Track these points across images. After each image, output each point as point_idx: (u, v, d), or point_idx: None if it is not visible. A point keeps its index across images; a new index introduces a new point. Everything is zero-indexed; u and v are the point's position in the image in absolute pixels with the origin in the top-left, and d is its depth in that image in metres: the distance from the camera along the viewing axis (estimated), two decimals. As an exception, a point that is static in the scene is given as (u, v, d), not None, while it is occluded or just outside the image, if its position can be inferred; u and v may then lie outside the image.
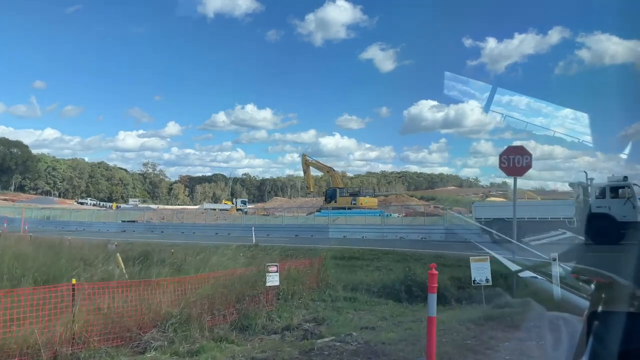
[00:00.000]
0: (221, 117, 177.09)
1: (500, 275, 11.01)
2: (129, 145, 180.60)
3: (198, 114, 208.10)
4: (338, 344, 6.51)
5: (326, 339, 6.94)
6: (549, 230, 19.24)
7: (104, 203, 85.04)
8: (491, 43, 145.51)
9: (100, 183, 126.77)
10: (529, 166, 8.50)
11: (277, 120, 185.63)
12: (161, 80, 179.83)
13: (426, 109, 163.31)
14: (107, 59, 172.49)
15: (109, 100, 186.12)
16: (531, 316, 7.73)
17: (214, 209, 59.94)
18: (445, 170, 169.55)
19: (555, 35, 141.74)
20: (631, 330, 1.65)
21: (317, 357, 6.05)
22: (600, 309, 2.06)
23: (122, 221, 40.89)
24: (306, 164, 47.63)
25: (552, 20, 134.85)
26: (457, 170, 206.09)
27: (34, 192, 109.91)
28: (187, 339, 7.17)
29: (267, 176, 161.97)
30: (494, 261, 13.64)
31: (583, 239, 19.02)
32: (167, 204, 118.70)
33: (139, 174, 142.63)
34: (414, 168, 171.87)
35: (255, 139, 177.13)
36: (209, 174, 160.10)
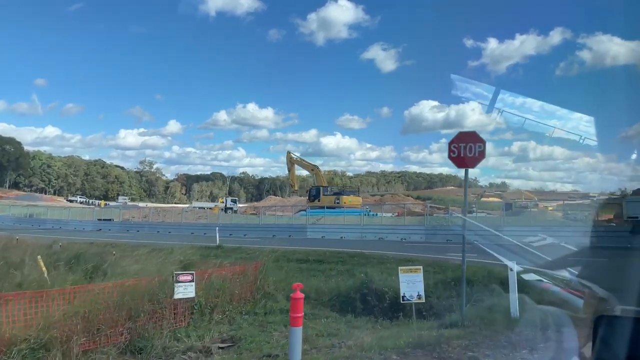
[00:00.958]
0: (222, 116, 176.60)
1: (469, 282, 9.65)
2: (130, 144, 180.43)
3: (199, 112, 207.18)
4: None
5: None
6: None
7: (93, 201, 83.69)
8: (492, 43, 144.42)
9: (95, 181, 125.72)
10: (481, 156, 6.96)
11: (278, 120, 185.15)
12: (162, 78, 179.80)
13: (427, 109, 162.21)
14: (109, 58, 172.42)
15: (110, 98, 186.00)
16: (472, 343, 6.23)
17: (203, 208, 58.62)
18: (445, 170, 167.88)
19: (556, 36, 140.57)
20: (638, 335, 1.66)
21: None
22: (606, 313, 2.18)
23: (99, 219, 39.51)
24: (291, 162, 46.17)
25: (553, 21, 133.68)
26: (458, 170, 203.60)
27: (29, 189, 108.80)
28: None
29: (268, 175, 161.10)
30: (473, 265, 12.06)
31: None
32: (164, 202, 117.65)
33: (136, 172, 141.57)
34: (414, 168, 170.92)
35: (256, 138, 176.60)
36: (210, 172, 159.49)
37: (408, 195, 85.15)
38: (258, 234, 28.59)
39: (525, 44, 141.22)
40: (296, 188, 51.25)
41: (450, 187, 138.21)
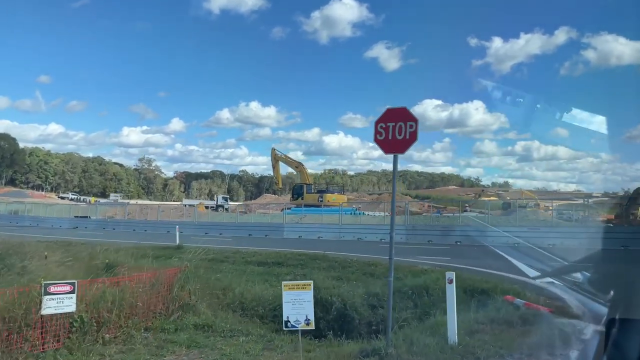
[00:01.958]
0: (225, 114, 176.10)
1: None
2: (133, 141, 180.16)
3: (202, 110, 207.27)
4: None
5: None
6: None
7: (84, 197, 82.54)
8: (497, 42, 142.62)
9: (93, 178, 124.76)
10: (413, 138, 5.41)
11: (281, 118, 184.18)
12: (166, 76, 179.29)
13: (430, 108, 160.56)
14: (112, 55, 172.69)
15: (113, 95, 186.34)
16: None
17: (193, 205, 57.25)
18: (448, 169, 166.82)
19: (561, 36, 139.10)
20: None
21: None
22: (618, 316, 1.87)
23: (75, 216, 38.23)
24: (275, 159, 44.71)
25: (558, 20, 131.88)
26: (461, 170, 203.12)
27: (25, 186, 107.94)
28: None
29: (269, 174, 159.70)
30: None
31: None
32: (162, 200, 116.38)
33: (135, 169, 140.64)
34: (417, 167, 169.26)
35: (259, 137, 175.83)
36: (212, 170, 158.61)
37: (406, 195, 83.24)
38: (234, 233, 27.25)
39: (530, 43, 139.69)
40: (280, 186, 49.76)
41: (452, 187, 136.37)
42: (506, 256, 15.17)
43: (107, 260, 12.23)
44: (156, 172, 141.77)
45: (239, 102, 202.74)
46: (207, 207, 53.93)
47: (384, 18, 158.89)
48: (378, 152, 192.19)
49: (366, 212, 37.93)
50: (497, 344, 5.74)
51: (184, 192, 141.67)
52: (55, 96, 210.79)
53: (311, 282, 5.16)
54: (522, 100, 8.16)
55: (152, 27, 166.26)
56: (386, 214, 39.82)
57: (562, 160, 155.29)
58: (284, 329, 5.19)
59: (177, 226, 20.16)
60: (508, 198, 53.34)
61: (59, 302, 6.60)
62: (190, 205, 57.51)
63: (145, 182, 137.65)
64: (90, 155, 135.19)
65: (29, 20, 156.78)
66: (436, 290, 9.49)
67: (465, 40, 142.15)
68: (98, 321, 7.24)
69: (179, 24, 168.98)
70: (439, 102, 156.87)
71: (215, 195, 72.49)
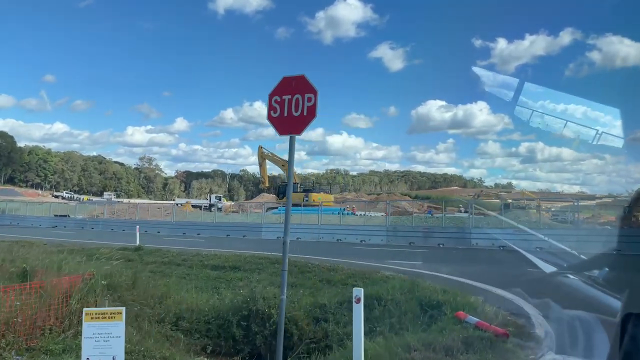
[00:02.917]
0: (229, 114, 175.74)
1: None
2: (137, 141, 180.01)
3: (206, 110, 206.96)
4: None
5: None
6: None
7: (78, 196, 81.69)
8: (501, 43, 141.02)
9: (93, 176, 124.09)
10: (312, 114, 4.10)
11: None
12: (170, 76, 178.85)
13: (434, 108, 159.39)
14: (117, 54, 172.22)
15: (118, 95, 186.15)
16: None
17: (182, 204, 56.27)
18: (452, 170, 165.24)
19: (566, 37, 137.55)
20: None
21: None
22: (634, 311, 1.82)
23: (55, 215, 37.18)
24: (262, 157, 43.39)
25: (563, 21, 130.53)
26: (464, 171, 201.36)
27: (24, 184, 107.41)
28: None
29: (271, 174, 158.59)
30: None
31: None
32: (162, 199, 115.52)
33: (135, 168, 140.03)
34: (420, 168, 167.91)
35: (262, 137, 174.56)
36: (214, 170, 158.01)
37: (406, 195, 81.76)
38: (212, 233, 26.13)
39: (535, 45, 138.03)
40: (267, 185, 48.45)
41: (455, 187, 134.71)
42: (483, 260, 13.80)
43: (24, 265, 10.98)
44: (156, 171, 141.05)
45: (243, 102, 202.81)
46: (198, 207, 52.81)
47: (388, 19, 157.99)
48: (381, 152, 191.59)
49: (361, 213, 36.67)
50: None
51: (184, 191, 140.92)
52: (60, 95, 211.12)
53: (123, 309, 3.79)
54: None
55: (157, 27, 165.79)
56: (383, 214, 38.59)
57: (566, 162, 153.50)
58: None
59: (138, 226, 18.89)
60: (509, 200, 51.74)
61: None
62: (181, 205, 56.47)
63: (146, 181, 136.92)
64: (95, 154, 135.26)
65: (35, 19, 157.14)
66: (390, 301, 8.23)
67: (469, 41, 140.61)
68: None
69: (184, 24, 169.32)
70: (443, 102, 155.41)
71: (208, 195, 71.36)
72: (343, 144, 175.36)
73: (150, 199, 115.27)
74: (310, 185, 45.64)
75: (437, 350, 5.61)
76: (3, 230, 27.72)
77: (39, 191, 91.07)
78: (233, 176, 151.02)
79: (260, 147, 44.35)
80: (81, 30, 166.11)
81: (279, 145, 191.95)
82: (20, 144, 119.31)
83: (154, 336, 7.36)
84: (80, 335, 7.01)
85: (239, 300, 8.73)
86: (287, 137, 4.75)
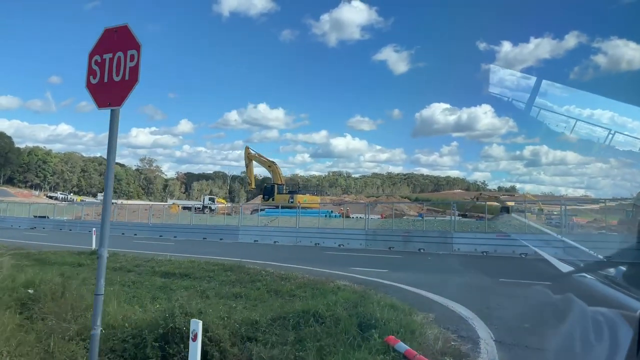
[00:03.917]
0: (233, 116, 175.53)
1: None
2: (141, 142, 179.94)
3: (211, 112, 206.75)
4: None
5: None
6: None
7: (72, 197, 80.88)
8: (506, 47, 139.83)
9: (92, 177, 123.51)
10: (133, 78, 2.66)
11: (289, 120, 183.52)
12: (175, 77, 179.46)
13: (438, 111, 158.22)
14: None
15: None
16: None
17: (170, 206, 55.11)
18: (455, 173, 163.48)
19: (571, 40, 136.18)
20: None
21: None
22: None
23: (34, 216, 36.17)
24: (249, 158, 42.14)
25: (568, 24, 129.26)
26: (468, 174, 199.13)
27: (23, 185, 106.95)
28: None
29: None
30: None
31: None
32: (162, 201, 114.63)
33: (136, 169, 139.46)
34: (424, 171, 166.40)
35: (266, 139, 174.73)
36: (215, 172, 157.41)
37: (406, 197, 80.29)
38: (189, 236, 24.98)
39: (539, 48, 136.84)
40: (253, 186, 47.18)
41: (458, 190, 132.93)
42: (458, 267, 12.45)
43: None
44: (157, 173, 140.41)
45: (248, 104, 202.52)
46: (188, 208, 51.61)
47: (393, 21, 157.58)
48: (385, 155, 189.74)
49: (358, 215, 35.48)
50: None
51: (184, 193, 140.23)
52: (65, 97, 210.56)
53: None
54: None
55: (163, 29, 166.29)
56: (377, 217, 37.29)
57: (570, 165, 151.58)
58: None
59: (94, 229, 17.66)
60: (508, 203, 50.22)
61: None
62: (169, 206, 55.38)
63: (146, 182, 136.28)
64: (99, 155, 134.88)
65: (40, 21, 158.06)
66: (327, 318, 6.98)
67: (474, 44, 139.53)
68: None
69: (189, 26, 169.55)
70: (447, 105, 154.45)
71: (202, 196, 70.26)
72: (347, 146, 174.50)
73: (150, 200, 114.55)
74: (296, 187, 44.37)
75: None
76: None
77: (35, 192, 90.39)
78: (234, 178, 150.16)
79: (247, 148, 43.21)
80: (87, 31, 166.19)
81: (283, 147, 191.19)
82: (26, 145, 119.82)
83: (57, 357, 6.18)
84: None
85: (156, 316, 7.47)
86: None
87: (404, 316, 7.10)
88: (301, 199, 35.74)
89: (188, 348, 6.86)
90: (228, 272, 12.78)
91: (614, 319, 1.92)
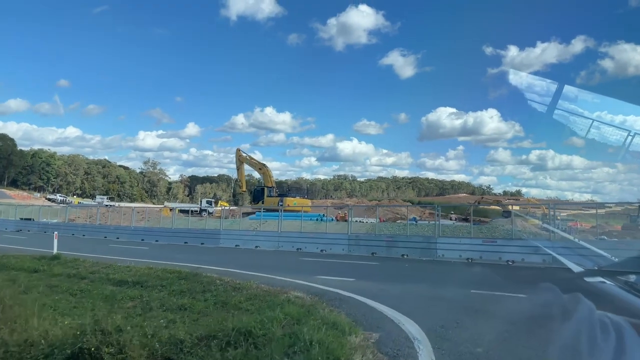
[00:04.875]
0: (240, 120, 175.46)
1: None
2: (149, 145, 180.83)
3: (217, 115, 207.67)
4: None
5: None
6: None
7: (70, 199, 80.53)
8: (513, 51, 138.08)
9: (96, 180, 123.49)
10: None
11: (295, 124, 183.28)
12: (183, 81, 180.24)
13: (444, 116, 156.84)
14: (130, 60, 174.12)
15: (130, 100, 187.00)
16: None
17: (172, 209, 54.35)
18: (461, 177, 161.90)
19: (578, 44, 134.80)
20: None
21: None
22: None
23: (20, 219, 35.56)
24: (240, 160, 41.27)
25: (575, 29, 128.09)
26: (474, 178, 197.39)
27: (26, 187, 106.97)
28: None
29: (283, 179, 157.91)
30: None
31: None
32: (165, 203, 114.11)
33: (139, 172, 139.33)
34: (430, 175, 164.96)
35: (273, 142, 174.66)
36: (219, 175, 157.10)
37: (408, 201, 78.90)
38: (170, 240, 24.24)
39: (546, 52, 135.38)
40: (244, 189, 46.23)
41: (463, 195, 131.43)
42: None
43: None
44: (160, 176, 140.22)
45: (254, 108, 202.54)
46: (186, 211, 50.86)
47: (400, 26, 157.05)
48: (391, 159, 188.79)
49: (357, 219, 34.44)
50: None
51: (188, 196, 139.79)
52: (73, 100, 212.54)
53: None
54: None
55: (170, 33, 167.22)
56: (372, 220, 36.26)
57: (577, 170, 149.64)
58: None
59: (56, 232, 16.86)
60: (509, 207, 48.85)
61: None
62: (170, 209, 54.69)
63: (149, 185, 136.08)
64: (106, 158, 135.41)
65: (50, 25, 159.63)
66: (259, 338, 6.08)
67: (480, 48, 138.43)
68: None
69: (197, 30, 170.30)
70: (453, 110, 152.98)
71: (199, 199, 69.56)
72: (353, 150, 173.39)
73: (153, 202, 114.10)
74: (285, 190, 43.48)
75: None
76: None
77: (37, 194, 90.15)
78: (237, 181, 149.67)
79: (238, 150, 42.33)
80: (95, 36, 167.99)
81: (289, 151, 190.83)
82: (31, 147, 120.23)
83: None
84: None
85: (68, 333, 6.56)
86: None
87: (340, 337, 6.13)
88: (291, 201, 34.86)
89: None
90: (182, 280, 11.89)
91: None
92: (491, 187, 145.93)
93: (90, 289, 11.61)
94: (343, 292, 9.49)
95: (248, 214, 36.54)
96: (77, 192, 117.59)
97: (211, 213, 53.33)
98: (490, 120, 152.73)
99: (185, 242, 23.53)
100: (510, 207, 49.70)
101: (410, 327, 6.72)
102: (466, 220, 39.64)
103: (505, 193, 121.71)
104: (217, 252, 19.61)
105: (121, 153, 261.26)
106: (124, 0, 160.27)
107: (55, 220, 36.81)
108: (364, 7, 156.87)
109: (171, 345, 6.53)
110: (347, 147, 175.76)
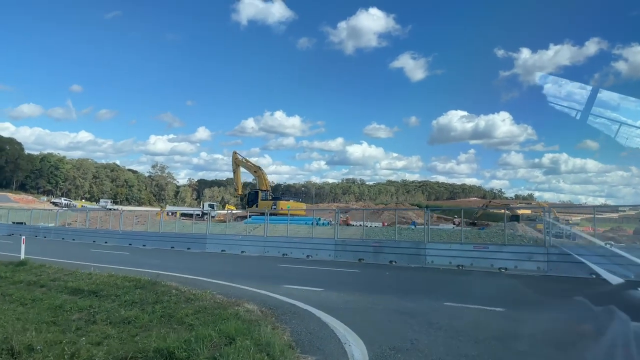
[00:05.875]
0: (250, 124, 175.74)
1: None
2: (160, 149, 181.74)
3: (228, 119, 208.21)
4: None
5: None
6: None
7: (74, 203, 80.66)
8: (525, 54, 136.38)
9: (104, 184, 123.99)
10: None
11: (305, 128, 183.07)
12: (193, 85, 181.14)
13: (455, 119, 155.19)
14: (142, 65, 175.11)
15: (142, 104, 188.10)
16: None
17: (173, 213, 53.83)
18: (473, 181, 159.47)
19: (591, 47, 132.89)
20: None
21: None
22: None
23: (12, 223, 35.17)
24: (236, 163, 40.55)
25: (589, 31, 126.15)
26: (486, 181, 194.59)
27: (35, 191, 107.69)
28: None
29: (292, 182, 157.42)
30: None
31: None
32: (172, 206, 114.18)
33: (148, 176, 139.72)
34: (441, 179, 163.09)
35: (282, 146, 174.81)
36: (228, 178, 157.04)
37: (416, 205, 77.56)
38: (157, 245, 23.51)
39: (559, 54, 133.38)
40: (240, 192, 45.36)
41: (473, 198, 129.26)
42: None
43: None
44: (168, 180, 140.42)
45: (264, 112, 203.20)
46: (189, 215, 50.26)
47: (410, 29, 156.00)
48: (401, 163, 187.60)
49: (361, 223, 33.41)
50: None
51: (196, 200, 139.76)
52: (85, 105, 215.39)
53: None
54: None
55: (181, 38, 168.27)
56: (377, 224, 35.19)
57: (591, 174, 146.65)
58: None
59: (23, 237, 16.08)
60: (519, 211, 47.37)
61: None
62: (171, 213, 54.14)
63: (157, 188, 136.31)
64: (118, 162, 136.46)
65: (63, 31, 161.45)
66: None
67: (492, 51, 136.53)
68: None
69: (207, 34, 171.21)
70: (465, 113, 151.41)
71: (201, 203, 69.11)
72: (363, 153, 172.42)
73: (161, 206, 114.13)
74: (279, 193, 42.65)
75: None
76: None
77: (43, 198, 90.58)
78: (246, 185, 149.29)
79: (234, 153, 41.68)
80: (108, 41, 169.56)
81: (299, 155, 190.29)
82: (40, 152, 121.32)
83: None
84: None
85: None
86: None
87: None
88: (284, 205, 34.01)
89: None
90: (139, 290, 10.94)
91: None
92: (503, 190, 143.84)
93: (44, 298, 10.77)
94: (301, 305, 8.49)
95: (243, 217, 35.75)
96: (85, 195, 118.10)
97: (214, 216, 52.71)
98: (502, 123, 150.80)
99: (172, 247, 22.80)
100: (518, 211, 48.27)
101: (356, 349, 5.69)
102: (473, 224, 38.33)
103: (517, 197, 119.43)
104: (197, 258, 18.75)
105: (132, 157, 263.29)
106: (136, 5, 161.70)
107: (49, 225, 36.37)
108: (374, 11, 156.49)
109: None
110: (357, 150, 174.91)
